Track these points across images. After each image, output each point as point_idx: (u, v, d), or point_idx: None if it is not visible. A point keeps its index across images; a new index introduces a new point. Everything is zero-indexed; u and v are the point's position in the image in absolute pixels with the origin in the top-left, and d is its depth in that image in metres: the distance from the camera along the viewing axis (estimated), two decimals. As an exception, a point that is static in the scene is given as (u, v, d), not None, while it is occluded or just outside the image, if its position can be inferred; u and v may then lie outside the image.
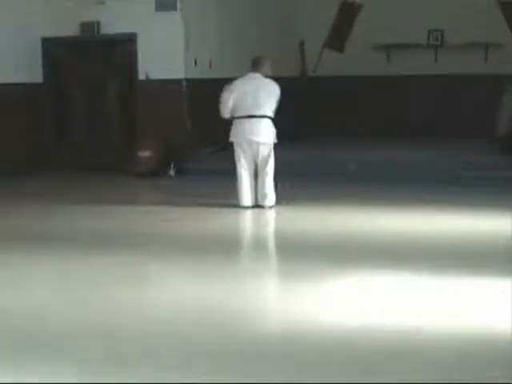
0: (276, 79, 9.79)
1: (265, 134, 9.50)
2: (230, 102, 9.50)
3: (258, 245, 8.43)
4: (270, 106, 9.48)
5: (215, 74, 13.22)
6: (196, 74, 13.06)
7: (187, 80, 12.94)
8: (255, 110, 9.45)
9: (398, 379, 4.47)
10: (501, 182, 10.64)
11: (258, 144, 9.53)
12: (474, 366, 4.68)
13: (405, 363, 4.74)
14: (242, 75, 9.77)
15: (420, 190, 10.67)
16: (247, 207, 9.62)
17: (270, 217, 9.43)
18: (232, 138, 9.66)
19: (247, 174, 9.67)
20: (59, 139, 13.72)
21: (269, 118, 9.51)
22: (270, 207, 9.53)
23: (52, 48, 13.53)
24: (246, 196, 9.67)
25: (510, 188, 10.20)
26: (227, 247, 7.90)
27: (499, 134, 12.42)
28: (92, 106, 13.61)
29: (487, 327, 5.30)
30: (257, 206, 9.56)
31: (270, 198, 9.56)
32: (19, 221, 9.38)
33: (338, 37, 15.84)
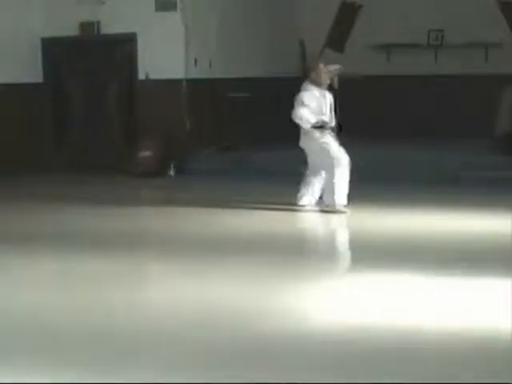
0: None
1: (304, 141, 9.56)
2: None
3: (258, 245, 8.40)
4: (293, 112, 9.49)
5: (215, 73, 13.22)
6: (196, 74, 13.06)
7: (187, 80, 12.94)
8: None
9: (397, 379, 4.47)
10: (501, 182, 10.64)
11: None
12: (474, 365, 4.68)
13: (405, 363, 4.74)
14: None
15: (420, 189, 10.66)
16: (301, 206, 9.62)
17: (272, 217, 9.42)
18: None
19: (309, 175, 9.65)
20: (59, 139, 13.72)
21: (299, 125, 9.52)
22: (331, 209, 9.30)
23: (52, 48, 13.53)
24: (300, 195, 9.66)
25: (510, 188, 10.20)
26: (227, 247, 7.90)
27: (499, 134, 12.42)
28: (92, 106, 13.61)
29: (487, 327, 5.30)
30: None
31: (327, 198, 9.38)
32: (19, 221, 9.38)
33: (338, 37, 15.82)
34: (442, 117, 14.76)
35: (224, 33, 13.60)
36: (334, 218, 9.29)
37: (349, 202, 9.27)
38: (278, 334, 5.27)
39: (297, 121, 9.44)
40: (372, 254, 7.89)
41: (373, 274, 6.89)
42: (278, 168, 11.71)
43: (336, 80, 9.60)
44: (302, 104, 9.39)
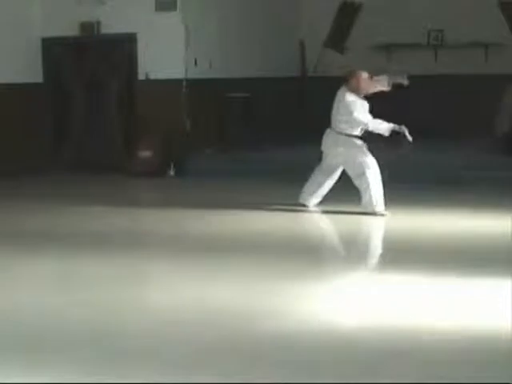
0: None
1: (328, 144, 9.43)
2: None
3: (258, 244, 8.41)
4: (338, 119, 9.31)
5: (215, 73, 13.22)
6: (196, 74, 13.06)
7: (187, 80, 12.94)
8: (331, 121, 9.44)
9: (397, 379, 4.47)
10: (501, 181, 10.63)
11: (323, 151, 9.52)
12: (474, 365, 4.68)
13: (405, 363, 4.74)
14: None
15: (420, 189, 10.66)
16: (303, 205, 9.59)
17: (272, 217, 9.41)
18: None
19: (321, 175, 9.55)
20: (59, 139, 13.72)
21: (338, 132, 9.32)
22: (373, 212, 9.17)
23: (52, 48, 13.53)
24: (305, 193, 9.61)
25: (510, 188, 10.20)
26: (227, 247, 7.90)
27: (499, 134, 12.41)
28: (92, 106, 13.61)
29: (487, 327, 5.30)
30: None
31: (364, 202, 9.23)
32: (19, 221, 9.38)
33: (338, 37, 15.82)
34: (442, 117, 14.75)
35: (224, 33, 13.60)
36: (333, 218, 9.29)
37: (385, 204, 9.25)
38: (279, 334, 5.27)
39: (376, 131, 9.25)
40: (371, 254, 7.89)
41: (372, 274, 6.89)
42: (278, 168, 11.70)
43: (405, 79, 9.54)
44: (362, 114, 9.21)
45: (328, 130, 9.49)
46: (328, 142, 9.48)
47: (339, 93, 9.42)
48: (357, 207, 9.29)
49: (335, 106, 9.40)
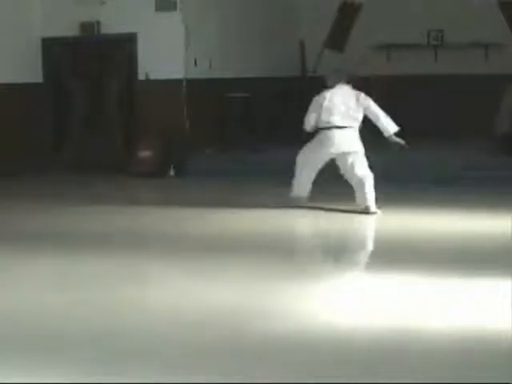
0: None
1: (347, 144, 9.65)
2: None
3: (258, 244, 8.42)
4: (353, 117, 9.58)
5: (215, 73, 13.22)
6: (196, 74, 13.06)
7: (187, 80, 12.94)
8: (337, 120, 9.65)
9: (397, 379, 4.47)
10: (501, 181, 10.64)
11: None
12: (474, 365, 4.68)
13: (405, 364, 4.74)
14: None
15: (420, 189, 10.66)
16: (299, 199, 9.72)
17: (272, 217, 9.41)
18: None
19: (305, 170, 9.69)
20: (59, 139, 13.72)
21: (353, 129, 9.65)
22: (368, 211, 9.30)
23: (52, 48, 13.53)
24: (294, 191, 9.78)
25: (510, 188, 10.20)
26: (227, 247, 7.90)
27: (499, 134, 12.42)
28: (92, 105, 13.62)
29: (487, 327, 5.30)
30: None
31: (360, 199, 9.42)
32: (19, 221, 9.38)
33: (338, 37, 15.82)
34: (442, 117, 14.76)
35: (224, 33, 13.61)
36: (332, 217, 9.29)
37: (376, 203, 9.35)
38: (279, 334, 5.27)
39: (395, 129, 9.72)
40: (371, 253, 7.89)
41: (372, 274, 6.89)
42: (278, 168, 11.70)
43: None
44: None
45: (335, 131, 9.52)
46: (353, 139, 9.58)
47: (355, 93, 9.61)
48: (355, 207, 9.29)
49: (347, 104, 9.53)
